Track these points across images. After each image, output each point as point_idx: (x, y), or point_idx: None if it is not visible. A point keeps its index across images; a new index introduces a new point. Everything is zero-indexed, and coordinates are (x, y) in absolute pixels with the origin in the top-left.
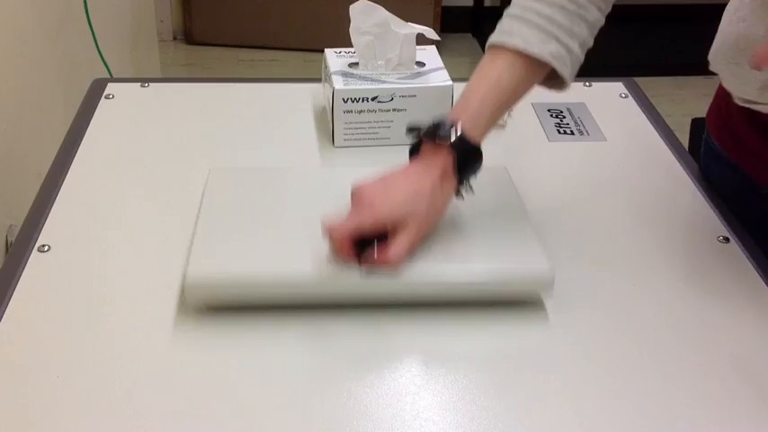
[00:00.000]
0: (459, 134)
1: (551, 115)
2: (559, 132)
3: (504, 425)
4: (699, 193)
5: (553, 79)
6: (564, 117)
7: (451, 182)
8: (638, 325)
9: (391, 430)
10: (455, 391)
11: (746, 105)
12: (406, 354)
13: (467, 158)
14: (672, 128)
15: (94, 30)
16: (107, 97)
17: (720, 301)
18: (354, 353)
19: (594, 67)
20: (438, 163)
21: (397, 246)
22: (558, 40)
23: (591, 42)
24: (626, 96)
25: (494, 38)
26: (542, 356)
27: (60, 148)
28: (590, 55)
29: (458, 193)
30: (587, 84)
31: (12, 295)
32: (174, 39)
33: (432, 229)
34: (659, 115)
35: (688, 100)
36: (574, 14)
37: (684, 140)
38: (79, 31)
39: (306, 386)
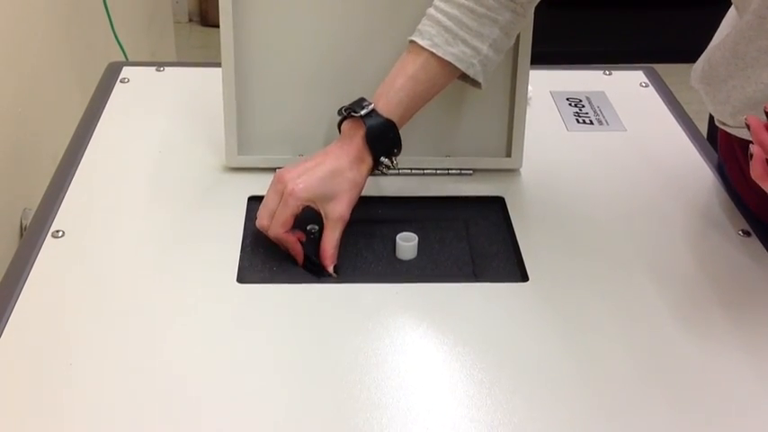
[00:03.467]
0: (371, 109)
1: (570, 104)
2: (578, 122)
3: (518, 418)
4: (719, 185)
5: (469, 77)
6: (583, 106)
7: (367, 159)
8: (655, 317)
9: (405, 423)
10: (470, 385)
11: (720, 126)
12: (422, 347)
13: (378, 131)
14: (691, 116)
15: (110, 12)
16: (122, 81)
17: (741, 297)
18: (368, 345)
19: (615, 53)
20: (354, 140)
21: (326, 244)
22: (464, 41)
23: (507, 41)
24: (646, 85)
25: (413, 35)
26: (562, 350)
27: (75, 133)
28: (610, 41)
29: (376, 168)
30: (607, 72)
31: (26, 281)
32: (190, 20)
33: (355, 202)
34: (680, 105)
35: None
36: (483, 17)
37: (704, 128)
38: (94, 13)
39: (319, 376)
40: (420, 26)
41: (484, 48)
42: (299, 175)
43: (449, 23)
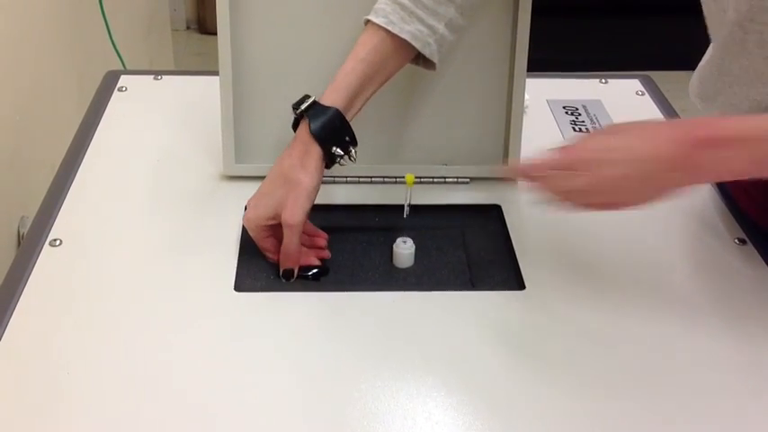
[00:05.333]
0: (311, 102)
1: (567, 113)
2: (575, 130)
3: (515, 426)
4: (715, 193)
5: (424, 59)
6: (579, 114)
7: (313, 150)
8: (651, 325)
9: (402, 431)
10: (467, 393)
11: None
12: (419, 355)
13: (321, 121)
14: None
15: (108, 20)
16: (120, 90)
17: (737, 305)
18: (366, 353)
19: (611, 61)
20: (300, 137)
21: (283, 248)
22: (420, 20)
23: (462, 21)
24: (642, 94)
25: (368, 14)
26: (560, 358)
27: (73, 141)
28: (606, 49)
29: (331, 161)
30: (603, 81)
31: (23, 289)
32: (188, 28)
33: (314, 194)
34: (676, 114)
35: None
36: None
37: None
38: (93, 22)
39: (317, 385)
40: (376, 5)
41: (440, 27)
42: (250, 206)
43: (404, 1)
